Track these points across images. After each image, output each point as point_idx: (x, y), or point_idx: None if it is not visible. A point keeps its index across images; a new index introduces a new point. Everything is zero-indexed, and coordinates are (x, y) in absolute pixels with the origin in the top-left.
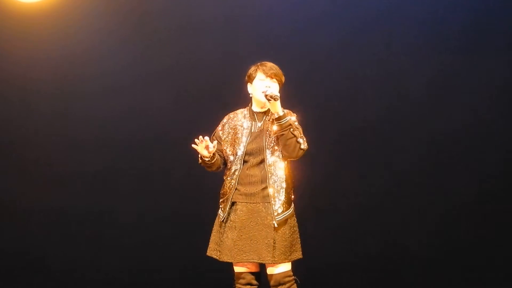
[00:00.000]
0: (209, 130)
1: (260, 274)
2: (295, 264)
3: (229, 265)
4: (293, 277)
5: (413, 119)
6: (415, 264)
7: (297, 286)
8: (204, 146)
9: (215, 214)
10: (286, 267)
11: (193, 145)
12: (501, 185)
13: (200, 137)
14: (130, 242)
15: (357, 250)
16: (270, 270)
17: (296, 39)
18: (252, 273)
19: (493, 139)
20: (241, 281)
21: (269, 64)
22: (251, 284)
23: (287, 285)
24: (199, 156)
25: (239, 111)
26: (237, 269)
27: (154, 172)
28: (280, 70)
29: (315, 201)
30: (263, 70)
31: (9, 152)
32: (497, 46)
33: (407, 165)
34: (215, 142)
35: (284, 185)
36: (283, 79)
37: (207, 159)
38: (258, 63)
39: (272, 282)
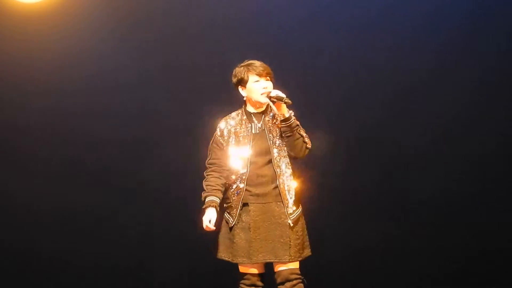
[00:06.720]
0: (209, 129)
1: (265, 275)
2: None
3: (230, 265)
4: (300, 275)
5: (412, 118)
6: (416, 262)
7: (304, 286)
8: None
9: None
10: (294, 264)
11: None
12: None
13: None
14: (130, 242)
15: (358, 249)
16: (279, 268)
17: (295, 39)
18: (258, 274)
19: (493, 137)
20: (246, 281)
21: (257, 63)
22: (255, 286)
23: (294, 282)
24: (203, 200)
25: (233, 114)
26: (243, 269)
27: (153, 171)
28: (268, 66)
29: (315, 201)
30: (255, 70)
31: (8, 150)
32: (494, 42)
33: (407, 163)
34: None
35: (292, 183)
36: (272, 74)
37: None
38: (244, 64)
39: (279, 279)
